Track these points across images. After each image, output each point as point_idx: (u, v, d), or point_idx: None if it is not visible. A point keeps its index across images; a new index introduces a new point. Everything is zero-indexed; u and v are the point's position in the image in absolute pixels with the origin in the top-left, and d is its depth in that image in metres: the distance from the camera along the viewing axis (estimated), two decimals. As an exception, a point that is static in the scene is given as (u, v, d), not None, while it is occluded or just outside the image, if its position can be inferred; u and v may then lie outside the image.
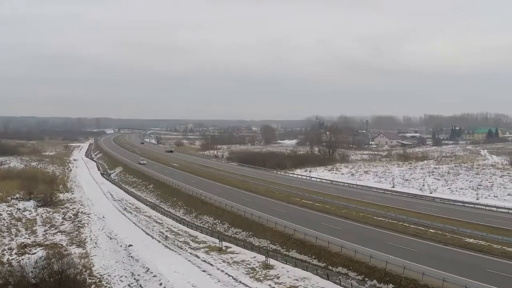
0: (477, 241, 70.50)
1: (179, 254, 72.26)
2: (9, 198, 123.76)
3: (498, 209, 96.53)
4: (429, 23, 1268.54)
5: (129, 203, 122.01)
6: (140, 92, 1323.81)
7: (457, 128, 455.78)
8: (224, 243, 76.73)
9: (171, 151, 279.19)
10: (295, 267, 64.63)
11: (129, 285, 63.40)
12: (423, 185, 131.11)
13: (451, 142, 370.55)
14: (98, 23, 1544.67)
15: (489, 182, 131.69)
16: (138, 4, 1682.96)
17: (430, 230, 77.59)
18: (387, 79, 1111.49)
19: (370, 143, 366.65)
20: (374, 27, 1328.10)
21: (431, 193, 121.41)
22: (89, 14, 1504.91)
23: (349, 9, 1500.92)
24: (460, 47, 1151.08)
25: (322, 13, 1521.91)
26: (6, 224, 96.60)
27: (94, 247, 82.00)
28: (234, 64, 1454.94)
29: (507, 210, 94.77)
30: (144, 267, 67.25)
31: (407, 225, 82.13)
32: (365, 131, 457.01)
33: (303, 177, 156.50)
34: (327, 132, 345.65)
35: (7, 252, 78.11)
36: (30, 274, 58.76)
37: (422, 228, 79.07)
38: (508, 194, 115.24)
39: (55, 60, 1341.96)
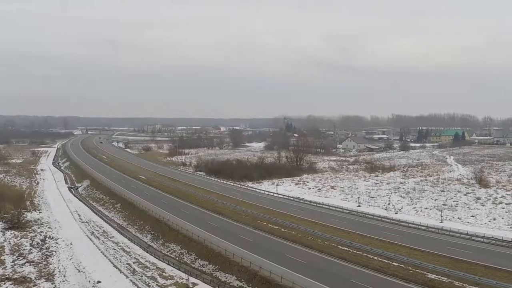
0: (439, 277, 71.80)
1: (147, 294, 72.80)
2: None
3: (462, 235, 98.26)
4: (396, 23, 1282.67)
5: (97, 226, 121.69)
6: (107, 90, 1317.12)
7: (424, 129, 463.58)
8: (192, 279, 77.16)
9: (101, 142, 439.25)
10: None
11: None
12: (389, 204, 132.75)
13: (418, 145, 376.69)
14: (64, 21, 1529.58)
15: (454, 201, 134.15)
16: (104, 2, 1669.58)
17: (393, 264, 78.72)
18: (355, 78, 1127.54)
19: (338, 146, 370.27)
20: (341, 26, 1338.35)
21: (396, 213, 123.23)
22: (55, 12, 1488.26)
23: (315, 9, 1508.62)
24: (426, 47, 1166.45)
25: (287, 12, 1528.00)
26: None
27: (63, 281, 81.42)
28: (202, 63, 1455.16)
29: (469, 237, 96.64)
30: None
31: (371, 256, 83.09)
32: (332, 133, 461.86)
33: (270, 193, 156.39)
34: (295, 135, 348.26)
35: (-25, 289, 77.73)
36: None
37: (386, 261, 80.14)
38: (472, 216, 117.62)
39: (21, 57, 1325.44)
